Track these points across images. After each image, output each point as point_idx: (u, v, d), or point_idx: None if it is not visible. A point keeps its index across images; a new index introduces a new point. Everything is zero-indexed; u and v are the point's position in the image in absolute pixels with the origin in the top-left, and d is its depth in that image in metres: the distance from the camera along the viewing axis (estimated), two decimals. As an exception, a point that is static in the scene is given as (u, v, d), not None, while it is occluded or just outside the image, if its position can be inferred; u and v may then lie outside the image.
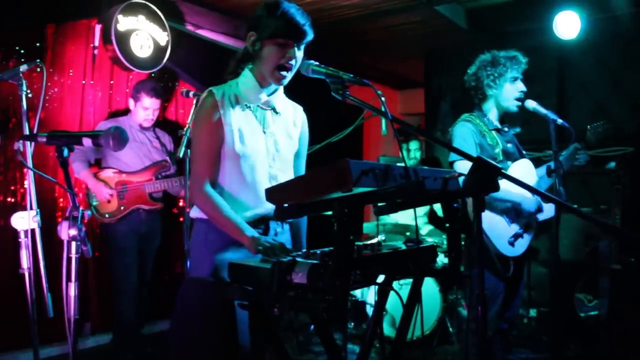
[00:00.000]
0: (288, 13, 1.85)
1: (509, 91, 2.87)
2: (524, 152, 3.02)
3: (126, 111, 4.08)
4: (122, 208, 3.73)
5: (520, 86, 2.89)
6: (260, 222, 1.97)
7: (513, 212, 2.81)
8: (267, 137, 1.98)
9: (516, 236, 2.78)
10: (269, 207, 1.95)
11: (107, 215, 3.72)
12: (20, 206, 3.64)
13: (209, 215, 1.91)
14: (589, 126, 2.97)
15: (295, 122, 2.10)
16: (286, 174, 2.05)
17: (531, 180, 2.86)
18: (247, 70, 1.98)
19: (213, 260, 1.90)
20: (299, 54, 1.91)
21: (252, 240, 1.78)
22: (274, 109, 2.02)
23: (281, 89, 2.04)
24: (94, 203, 3.72)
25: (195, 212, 1.99)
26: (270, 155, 1.98)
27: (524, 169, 2.88)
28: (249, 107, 1.96)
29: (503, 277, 2.77)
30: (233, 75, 2.01)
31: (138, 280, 3.79)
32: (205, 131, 1.91)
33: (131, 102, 3.91)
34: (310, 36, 1.90)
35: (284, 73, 1.90)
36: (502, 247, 2.74)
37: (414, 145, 5.17)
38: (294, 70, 1.93)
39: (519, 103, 2.89)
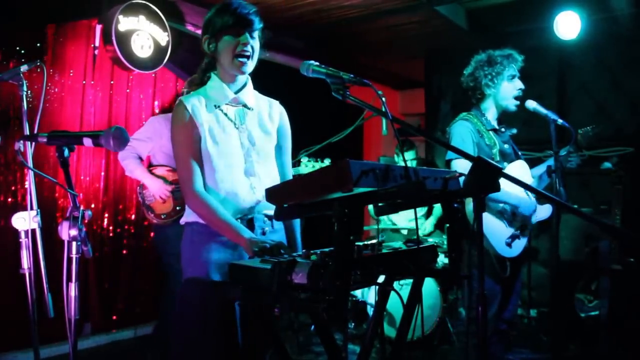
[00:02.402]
0: (232, 6, 1.94)
1: (507, 89, 2.88)
2: (519, 153, 3.02)
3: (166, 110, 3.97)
4: (177, 208, 3.51)
5: (518, 84, 2.90)
6: (243, 219, 1.96)
7: (510, 211, 2.81)
8: (240, 133, 2.01)
9: (513, 237, 2.78)
10: (250, 203, 1.97)
11: (163, 216, 3.51)
12: (21, 206, 3.64)
13: (204, 218, 1.92)
14: (580, 130, 2.98)
15: (272, 115, 2.12)
16: (265, 168, 2.05)
17: (527, 182, 2.86)
18: (212, 75, 2.05)
19: (204, 262, 1.91)
20: (254, 42, 1.97)
21: (250, 241, 1.78)
22: (245, 105, 2.05)
23: (249, 85, 2.07)
24: (148, 202, 3.52)
25: (184, 217, 2.01)
26: (245, 149, 2.00)
27: (519, 170, 2.88)
28: (218, 106, 2.00)
29: (500, 279, 2.78)
30: (198, 85, 2.07)
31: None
32: (182, 135, 1.95)
33: None
34: (258, 23, 1.98)
35: (242, 60, 1.96)
36: (500, 248, 2.74)
37: (410, 155, 5.09)
38: (254, 59, 1.99)
39: (518, 102, 2.89)
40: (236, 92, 2.03)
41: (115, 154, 3.85)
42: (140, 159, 3.59)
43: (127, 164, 3.53)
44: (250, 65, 1.99)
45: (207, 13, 2.01)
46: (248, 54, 1.96)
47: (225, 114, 2.01)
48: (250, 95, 2.08)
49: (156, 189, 3.49)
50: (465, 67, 3.00)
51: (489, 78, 2.86)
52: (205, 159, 1.96)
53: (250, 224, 1.98)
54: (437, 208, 5.01)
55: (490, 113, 2.93)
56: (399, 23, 5.10)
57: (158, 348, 3.64)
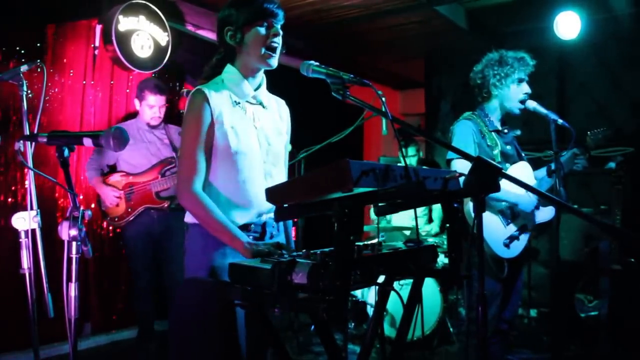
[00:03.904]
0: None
1: (513, 92, 2.86)
2: (523, 154, 3.01)
3: (135, 114, 4.04)
4: (129, 210, 3.72)
5: (525, 88, 2.88)
6: (257, 224, 1.95)
7: (509, 212, 2.81)
8: (258, 132, 1.98)
9: (511, 238, 2.78)
10: (267, 206, 1.93)
11: (116, 219, 3.74)
12: (21, 206, 3.64)
13: (199, 218, 1.87)
14: (589, 132, 2.97)
15: (281, 115, 2.12)
16: (279, 169, 2.04)
17: (529, 183, 2.85)
18: (228, 67, 1.99)
19: (212, 265, 1.88)
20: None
21: (247, 246, 1.76)
22: (261, 104, 2.03)
23: (264, 84, 2.05)
24: (104, 208, 3.76)
25: (190, 217, 1.96)
26: (263, 150, 1.97)
27: (522, 171, 2.87)
28: (239, 103, 1.96)
29: (499, 279, 2.77)
30: (207, 80, 2.00)
31: (160, 282, 3.83)
32: (196, 129, 1.88)
33: (136, 103, 3.86)
34: (283, 16, 1.95)
35: (271, 52, 1.93)
36: (496, 249, 2.73)
37: (411, 151, 5.14)
38: (279, 52, 1.96)
39: (523, 106, 2.88)
40: (255, 89, 2.00)
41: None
42: (102, 171, 3.84)
43: (89, 175, 3.82)
44: (277, 59, 1.96)
45: (223, 8, 1.97)
46: (276, 45, 1.93)
47: (245, 112, 1.97)
48: (265, 94, 2.06)
49: (106, 197, 3.74)
50: (466, 66, 3.00)
51: (497, 78, 2.84)
52: (224, 158, 1.90)
53: (262, 229, 1.96)
54: (438, 211, 5.00)
55: (494, 114, 2.92)
56: (399, 23, 5.10)
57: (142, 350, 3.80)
